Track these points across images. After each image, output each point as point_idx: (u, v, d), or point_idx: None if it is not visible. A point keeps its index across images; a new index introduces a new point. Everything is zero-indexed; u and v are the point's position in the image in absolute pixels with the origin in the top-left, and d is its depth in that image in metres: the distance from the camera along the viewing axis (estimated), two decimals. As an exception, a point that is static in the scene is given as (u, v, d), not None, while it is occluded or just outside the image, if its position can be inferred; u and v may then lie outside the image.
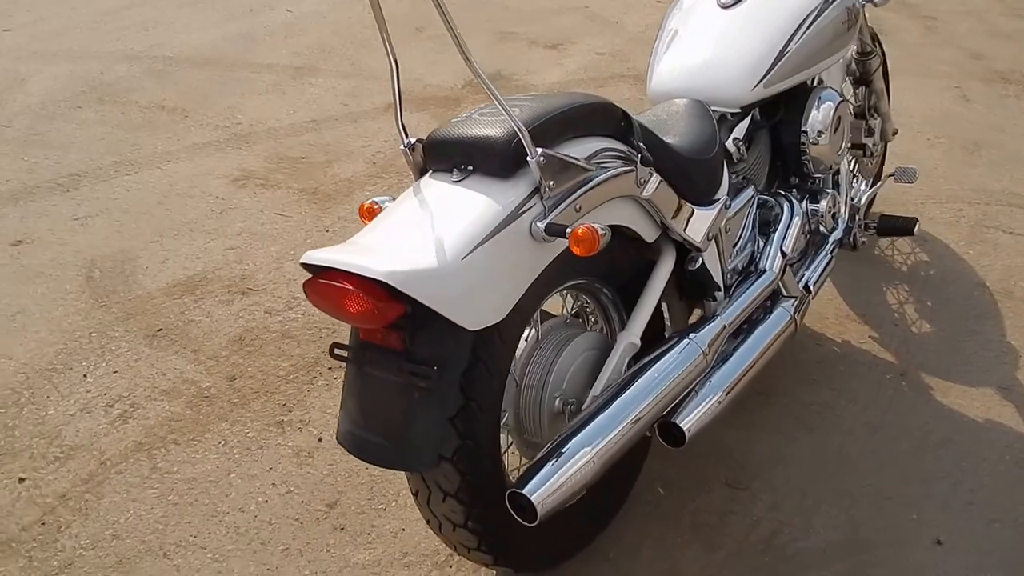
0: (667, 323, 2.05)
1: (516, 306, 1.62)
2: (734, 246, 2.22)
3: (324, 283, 1.44)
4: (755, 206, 2.31)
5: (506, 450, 1.81)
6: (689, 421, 1.84)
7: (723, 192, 2.11)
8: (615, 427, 1.68)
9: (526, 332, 1.87)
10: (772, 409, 2.47)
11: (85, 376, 2.62)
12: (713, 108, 2.25)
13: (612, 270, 1.90)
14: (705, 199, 2.03)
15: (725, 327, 2.03)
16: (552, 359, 1.83)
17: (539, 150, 1.55)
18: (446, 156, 1.64)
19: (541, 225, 1.57)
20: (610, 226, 1.78)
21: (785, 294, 2.30)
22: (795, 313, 2.25)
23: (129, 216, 3.48)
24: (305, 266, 1.48)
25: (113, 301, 2.95)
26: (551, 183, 1.58)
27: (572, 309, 2.07)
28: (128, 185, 3.72)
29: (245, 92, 4.57)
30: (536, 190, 1.58)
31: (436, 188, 1.61)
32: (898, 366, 2.65)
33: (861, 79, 2.91)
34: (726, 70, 2.28)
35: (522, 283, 1.59)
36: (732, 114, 2.31)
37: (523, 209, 1.56)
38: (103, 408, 2.50)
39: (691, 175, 1.99)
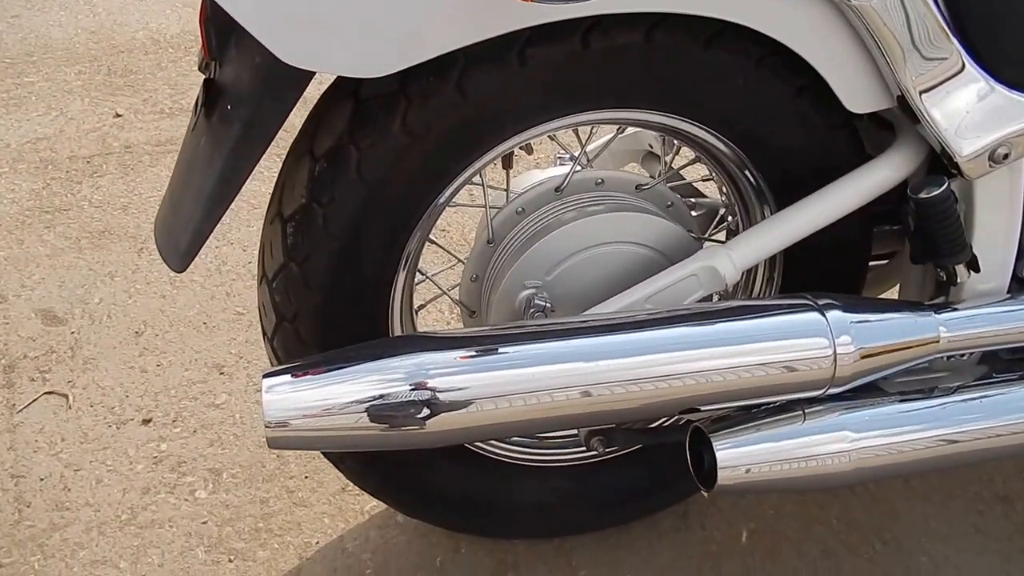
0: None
1: (475, 95, 0.89)
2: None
3: None
4: None
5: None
6: (740, 454, 0.96)
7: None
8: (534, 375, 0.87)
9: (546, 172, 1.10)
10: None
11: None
12: None
13: (750, 131, 1.01)
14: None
15: (938, 338, 1.02)
16: (554, 225, 1.03)
17: None
18: None
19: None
20: (779, 48, 0.92)
21: None
22: None
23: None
24: None
25: None
26: None
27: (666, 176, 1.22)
28: None
29: None
30: None
31: None
32: None
33: None
34: None
35: (447, 32, 0.82)
36: None
37: None
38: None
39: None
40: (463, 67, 0.88)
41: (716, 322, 0.95)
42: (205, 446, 1.38)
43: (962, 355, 1.13)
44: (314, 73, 0.83)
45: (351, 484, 1.32)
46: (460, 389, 0.85)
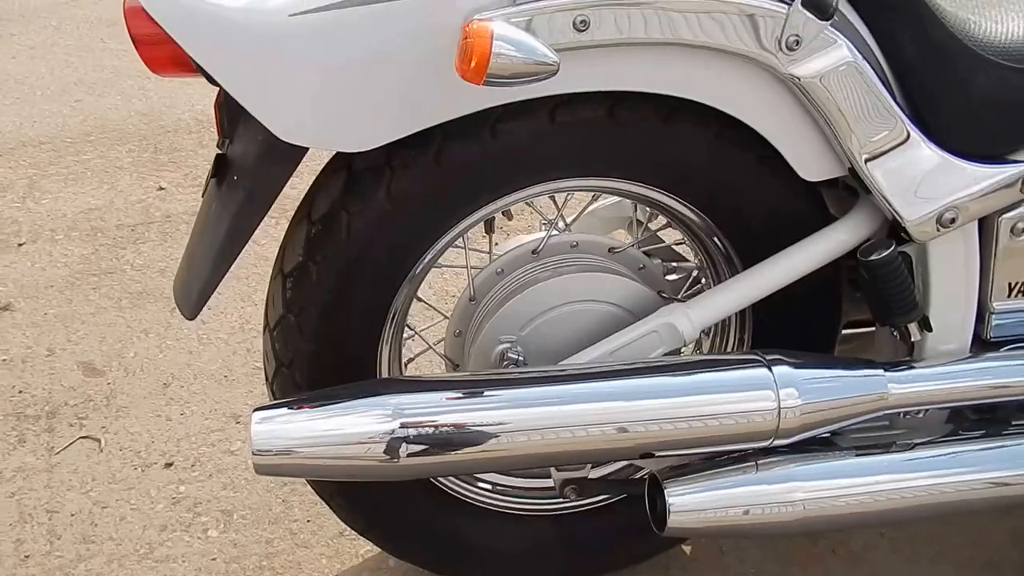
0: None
1: (456, 164, 1.00)
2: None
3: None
4: None
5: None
6: (692, 500, 1.03)
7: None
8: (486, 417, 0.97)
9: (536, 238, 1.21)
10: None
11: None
12: None
13: (713, 199, 1.09)
14: (975, 143, 1.05)
15: (886, 395, 1.09)
16: (527, 284, 1.14)
17: None
18: None
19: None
20: (736, 121, 1.01)
21: None
22: None
23: None
24: None
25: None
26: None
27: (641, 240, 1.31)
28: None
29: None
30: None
31: None
32: None
33: None
34: None
35: (424, 110, 0.94)
36: None
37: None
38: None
39: (970, 82, 1.02)
40: (441, 141, 0.99)
41: (670, 375, 1.03)
42: (219, 489, 1.49)
43: (918, 413, 1.19)
44: (307, 148, 0.96)
45: (348, 529, 1.42)
46: (430, 427, 0.95)
